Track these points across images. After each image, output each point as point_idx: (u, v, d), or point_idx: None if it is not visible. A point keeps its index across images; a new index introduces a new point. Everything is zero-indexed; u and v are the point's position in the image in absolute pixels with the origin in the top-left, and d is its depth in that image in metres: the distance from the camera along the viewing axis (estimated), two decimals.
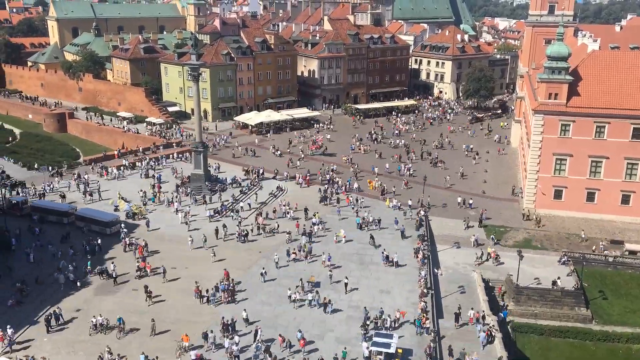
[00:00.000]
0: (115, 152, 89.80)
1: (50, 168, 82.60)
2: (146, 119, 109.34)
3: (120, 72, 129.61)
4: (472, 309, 50.08)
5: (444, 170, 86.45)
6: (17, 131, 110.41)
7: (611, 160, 68.83)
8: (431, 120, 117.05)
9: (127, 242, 59.51)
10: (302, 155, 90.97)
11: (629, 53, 78.35)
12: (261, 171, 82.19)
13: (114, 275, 53.07)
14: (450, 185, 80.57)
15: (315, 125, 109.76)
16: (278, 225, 64.42)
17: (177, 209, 68.01)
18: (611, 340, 53.35)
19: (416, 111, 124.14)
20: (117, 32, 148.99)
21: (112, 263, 54.65)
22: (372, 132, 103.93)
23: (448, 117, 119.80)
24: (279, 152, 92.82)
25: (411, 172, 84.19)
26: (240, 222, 65.06)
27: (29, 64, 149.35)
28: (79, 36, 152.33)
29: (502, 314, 52.95)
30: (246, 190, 76.23)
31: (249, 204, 71.40)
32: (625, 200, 70.10)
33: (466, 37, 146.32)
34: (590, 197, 70.88)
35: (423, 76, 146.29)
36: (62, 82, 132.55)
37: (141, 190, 72.65)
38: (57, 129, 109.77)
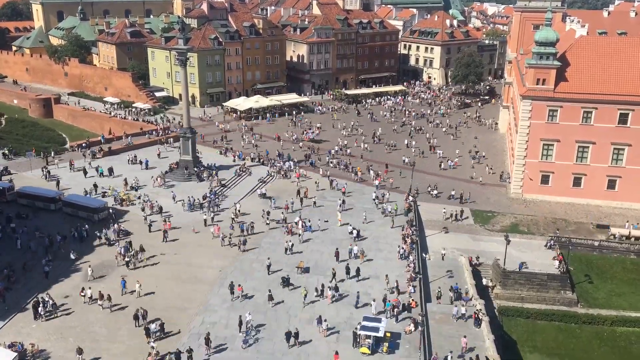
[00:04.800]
0: (106, 135, 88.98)
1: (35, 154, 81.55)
2: (133, 104, 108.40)
3: (107, 56, 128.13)
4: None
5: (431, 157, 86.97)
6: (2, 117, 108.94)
7: (598, 146, 69.36)
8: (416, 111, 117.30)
9: (118, 229, 59.21)
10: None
11: (616, 39, 78.74)
12: (243, 157, 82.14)
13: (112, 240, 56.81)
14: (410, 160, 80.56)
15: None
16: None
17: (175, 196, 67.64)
18: (596, 323, 54.28)
19: (404, 96, 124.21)
20: (102, 16, 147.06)
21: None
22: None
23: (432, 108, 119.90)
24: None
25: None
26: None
27: (14, 48, 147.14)
28: (64, 20, 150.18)
29: None
30: (235, 176, 76.03)
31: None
32: (612, 185, 70.78)
33: (455, 22, 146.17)
34: (577, 182, 71.49)
35: (412, 61, 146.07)
36: (48, 67, 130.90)
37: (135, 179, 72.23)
38: (42, 114, 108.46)
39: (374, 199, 68.97)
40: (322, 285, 49.59)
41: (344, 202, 67.76)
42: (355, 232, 59.68)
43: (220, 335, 43.68)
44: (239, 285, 49.07)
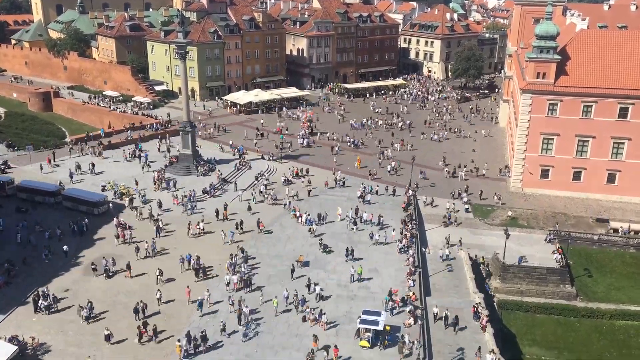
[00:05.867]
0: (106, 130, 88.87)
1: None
2: (132, 98, 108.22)
3: (106, 50, 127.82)
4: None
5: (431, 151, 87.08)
6: (1, 110, 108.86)
7: (598, 140, 69.29)
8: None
9: (120, 222, 59.15)
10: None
11: (617, 32, 78.59)
12: (243, 150, 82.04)
13: (110, 272, 50.97)
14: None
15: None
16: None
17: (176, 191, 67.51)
18: (595, 316, 54.33)
19: (404, 90, 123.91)
20: (102, 9, 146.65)
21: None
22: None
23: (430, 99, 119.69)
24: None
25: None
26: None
27: (13, 42, 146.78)
28: (63, 13, 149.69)
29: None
30: (235, 170, 75.97)
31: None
32: (611, 179, 70.77)
33: (455, 15, 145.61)
34: (577, 176, 71.47)
35: (412, 55, 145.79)
36: (47, 61, 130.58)
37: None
38: (42, 108, 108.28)
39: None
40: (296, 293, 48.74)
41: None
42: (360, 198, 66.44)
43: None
44: (261, 222, 58.72)
